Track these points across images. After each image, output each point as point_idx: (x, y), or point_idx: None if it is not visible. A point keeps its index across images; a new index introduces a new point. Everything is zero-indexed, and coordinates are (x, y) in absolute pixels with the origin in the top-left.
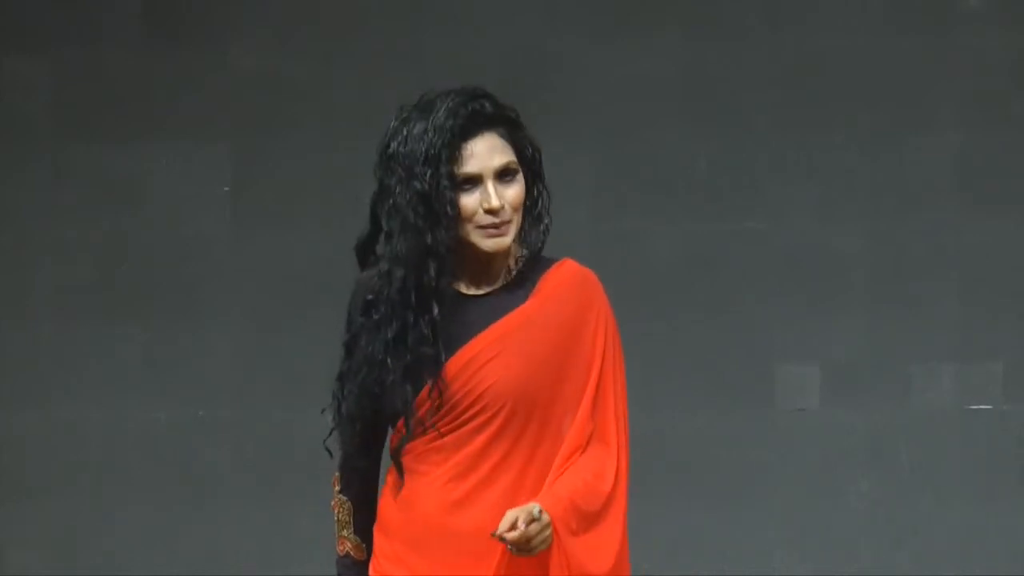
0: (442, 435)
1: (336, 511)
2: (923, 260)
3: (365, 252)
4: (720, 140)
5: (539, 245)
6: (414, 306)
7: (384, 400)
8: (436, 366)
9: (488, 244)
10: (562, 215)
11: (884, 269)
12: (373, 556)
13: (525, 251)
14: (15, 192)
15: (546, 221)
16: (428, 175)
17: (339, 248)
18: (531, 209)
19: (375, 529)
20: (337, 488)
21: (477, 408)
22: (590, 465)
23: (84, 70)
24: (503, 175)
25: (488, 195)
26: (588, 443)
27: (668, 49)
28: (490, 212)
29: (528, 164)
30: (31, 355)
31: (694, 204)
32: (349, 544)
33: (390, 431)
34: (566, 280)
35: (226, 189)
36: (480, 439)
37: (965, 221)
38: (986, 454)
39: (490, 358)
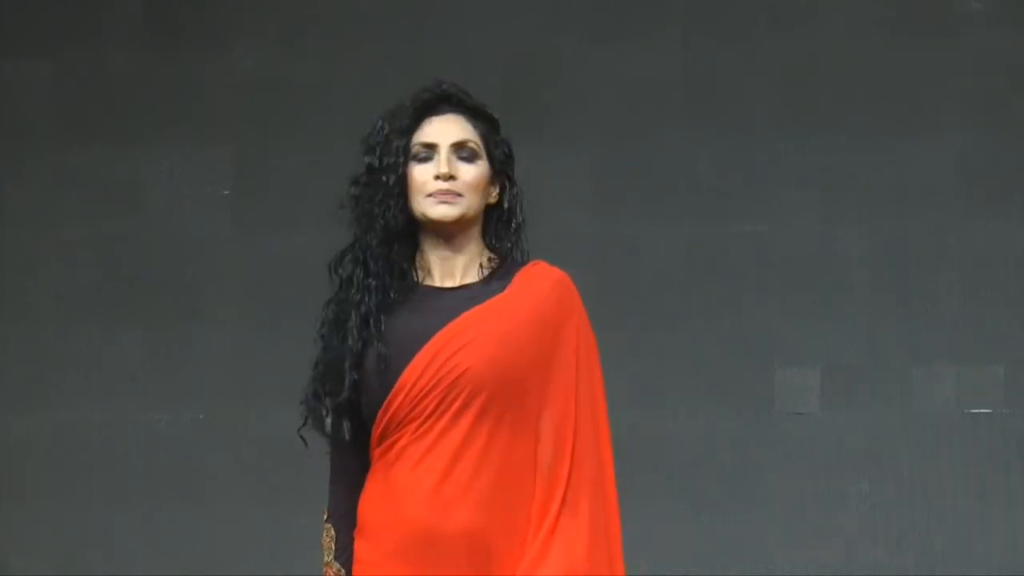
0: (420, 425)
1: (322, 542)
2: (924, 263)
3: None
4: (721, 142)
5: (510, 244)
6: (364, 292)
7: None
8: (376, 357)
9: (435, 211)
10: (562, 217)
11: (885, 272)
12: (356, 562)
13: (495, 252)
14: (15, 193)
15: (519, 219)
16: (380, 149)
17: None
18: (505, 210)
19: (356, 534)
20: (324, 518)
21: (455, 392)
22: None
23: (84, 70)
24: (460, 151)
25: (440, 161)
26: (569, 475)
27: (668, 49)
28: (439, 178)
29: (501, 165)
30: (32, 356)
31: (694, 206)
32: (331, 571)
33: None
34: (541, 277)
35: (226, 192)
36: (459, 427)
37: (966, 223)
38: (986, 457)
39: (465, 343)
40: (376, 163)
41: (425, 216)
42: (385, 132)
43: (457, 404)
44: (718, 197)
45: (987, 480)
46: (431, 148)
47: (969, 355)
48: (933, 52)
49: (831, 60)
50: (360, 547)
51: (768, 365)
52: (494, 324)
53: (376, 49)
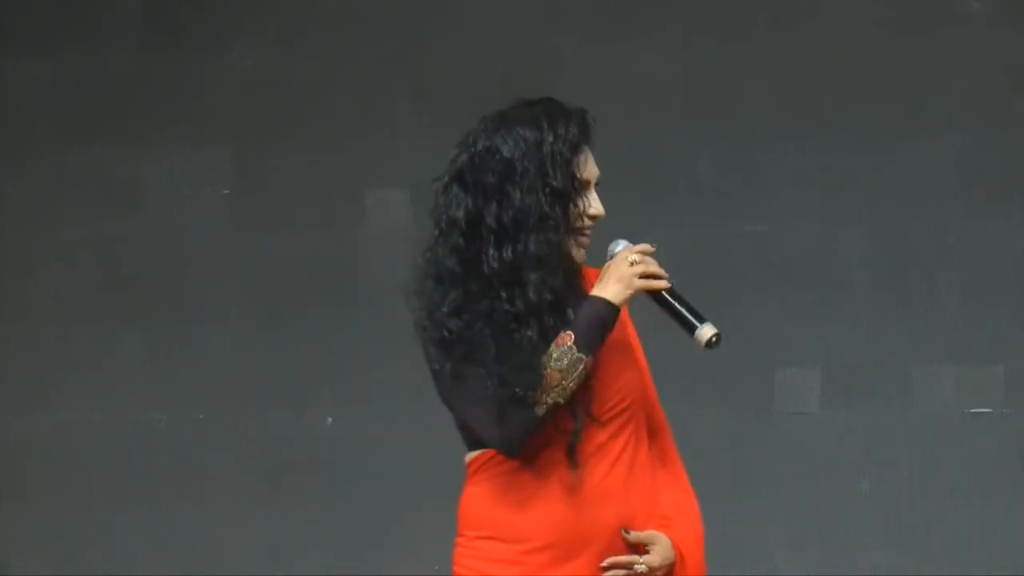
0: (579, 432)
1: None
2: (924, 263)
3: (466, 268)
4: (721, 142)
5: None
6: (550, 309)
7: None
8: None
9: (580, 253)
10: None
11: (885, 272)
12: (493, 561)
13: None
14: (15, 193)
15: None
16: (559, 175)
17: (339, 249)
18: None
19: (489, 542)
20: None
21: (623, 405)
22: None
23: (84, 70)
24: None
25: (597, 202)
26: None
27: (668, 49)
28: (593, 218)
29: None
30: (32, 356)
31: (694, 206)
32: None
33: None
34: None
35: (226, 192)
36: (620, 434)
37: (966, 223)
38: (987, 457)
39: (623, 356)
40: (560, 187)
41: (567, 253)
42: (554, 153)
43: (624, 416)
44: (718, 197)
45: (987, 480)
46: (586, 185)
47: (969, 355)
48: (933, 52)
49: (831, 60)
50: (495, 547)
51: (768, 365)
52: (625, 335)
53: (376, 49)
